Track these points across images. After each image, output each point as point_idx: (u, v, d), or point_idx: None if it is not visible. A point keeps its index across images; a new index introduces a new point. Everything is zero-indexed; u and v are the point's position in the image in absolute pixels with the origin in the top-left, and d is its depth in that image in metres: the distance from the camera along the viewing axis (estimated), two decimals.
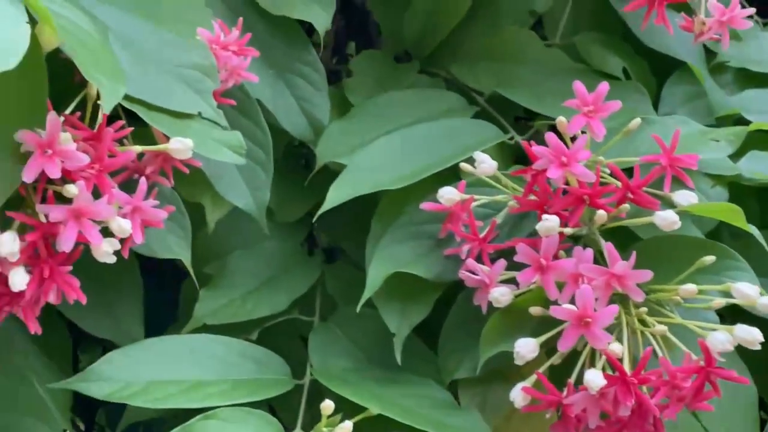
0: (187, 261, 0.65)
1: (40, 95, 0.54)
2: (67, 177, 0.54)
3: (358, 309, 0.63)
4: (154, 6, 0.64)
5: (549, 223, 0.57)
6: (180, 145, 0.58)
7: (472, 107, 0.77)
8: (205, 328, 0.70)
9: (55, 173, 0.52)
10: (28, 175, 0.52)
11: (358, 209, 0.74)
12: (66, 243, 0.53)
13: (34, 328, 0.56)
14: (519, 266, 0.61)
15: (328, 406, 0.57)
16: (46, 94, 0.54)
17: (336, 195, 0.66)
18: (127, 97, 0.57)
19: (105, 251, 0.54)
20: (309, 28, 0.75)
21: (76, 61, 0.52)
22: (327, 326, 0.72)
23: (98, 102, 0.57)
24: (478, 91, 0.80)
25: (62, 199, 0.54)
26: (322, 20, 0.73)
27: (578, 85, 0.61)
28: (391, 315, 0.65)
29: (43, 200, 0.54)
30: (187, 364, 0.64)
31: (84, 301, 0.56)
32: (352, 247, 0.80)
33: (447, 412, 0.63)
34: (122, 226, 0.54)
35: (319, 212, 0.66)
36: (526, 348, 0.58)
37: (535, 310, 0.59)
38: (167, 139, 0.60)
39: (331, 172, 0.74)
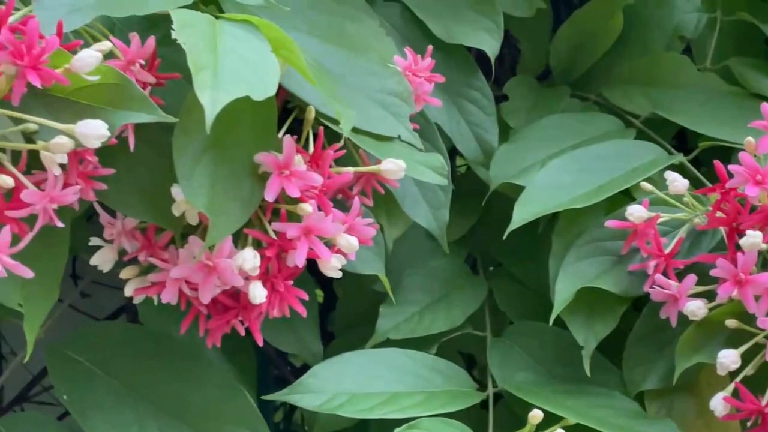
0: (383, 276, 0.68)
1: (271, 120, 0.58)
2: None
3: (550, 322, 0.66)
4: (347, 38, 0.67)
5: (754, 239, 0.59)
6: (393, 167, 0.61)
7: (630, 129, 0.80)
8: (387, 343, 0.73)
9: (294, 192, 0.55)
10: (270, 194, 0.55)
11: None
12: (300, 258, 0.56)
13: (260, 339, 0.60)
14: (705, 281, 0.63)
15: (536, 415, 0.60)
16: (275, 118, 0.58)
17: (523, 213, 0.69)
18: (335, 121, 0.61)
19: (333, 266, 0.58)
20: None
21: (318, 88, 0.55)
22: (503, 341, 0.74)
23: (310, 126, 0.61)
24: (632, 114, 0.82)
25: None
26: (492, 47, 0.76)
27: (766, 107, 0.64)
28: (578, 328, 0.67)
29: (271, 220, 0.58)
30: (383, 377, 0.67)
31: (305, 314, 0.60)
32: (510, 264, 0.83)
33: (640, 421, 0.66)
34: (350, 242, 0.57)
35: (508, 230, 0.69)
36: (729, 358, 0.60)
37: (731, 323, 0.62)
38: (370, 161, 0.64)
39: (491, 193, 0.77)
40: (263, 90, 0.50)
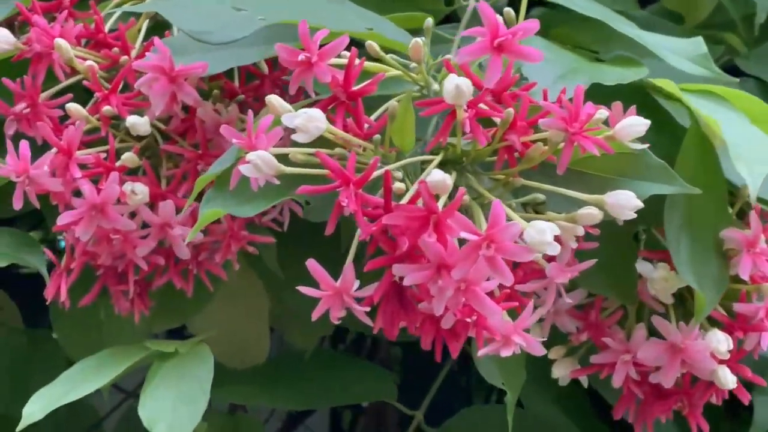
0: None
1: (723, 192, 0.55)
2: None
3: None
4: None
5: None
6: None
7: None
8: None
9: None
10: (745, 272, 0.52)
11: None
12: (765, 341, 0.53)
13: (705, 425, 0.57)
14: None
15: None
16: (726, 194, 0.55)
17: None
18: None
19: None
20: None
21: None
22: None
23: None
24: None
25: None
26: None
27: None
28: None
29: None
30: None
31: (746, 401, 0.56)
32: None
33: None
34: None
35: None
36: None
37: None
38: None
39: None
40: None
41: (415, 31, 0.57)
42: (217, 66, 0.54)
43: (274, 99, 0.44)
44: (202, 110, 0.56)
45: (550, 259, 0.47)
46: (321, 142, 0.45)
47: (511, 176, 0.46)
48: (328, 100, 0.46)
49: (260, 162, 0.42)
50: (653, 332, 0.54)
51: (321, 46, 0.46)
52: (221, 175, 0.47)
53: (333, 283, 0.44)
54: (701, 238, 0.52)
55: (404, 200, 0.43)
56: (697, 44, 0.57)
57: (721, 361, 0.53)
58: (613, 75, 0.52)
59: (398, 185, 0.43)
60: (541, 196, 0.47)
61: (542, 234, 0.41)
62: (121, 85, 0.56)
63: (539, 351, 0.46)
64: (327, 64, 0.46)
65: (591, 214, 0.45)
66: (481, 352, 0.45)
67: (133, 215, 0.54)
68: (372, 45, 0.47)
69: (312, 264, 0.44)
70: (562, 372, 0.57)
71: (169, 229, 0.54)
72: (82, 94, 0.59)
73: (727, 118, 0.51)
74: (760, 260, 0.52)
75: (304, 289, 0.43)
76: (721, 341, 0.52)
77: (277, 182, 0.43)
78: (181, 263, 0.58)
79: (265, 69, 0.61)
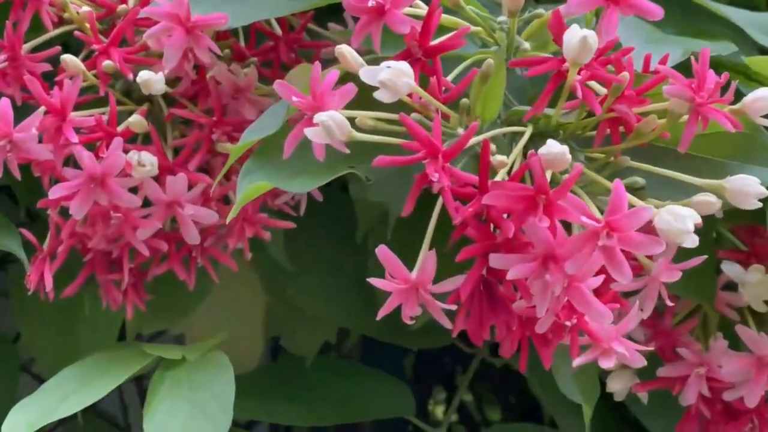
0: None
1: None
2: None
3: None
4: None
5: None
6: None
7: None
8: None
9: None
10: None
11: None
12: None
13: None
14: None
15: None
16: None
17: None
18: None
19: None
20: None
21: None
22: None
23: None
24: None
25: None
26: None
27: None
28: None
29: None
30: None
31: None
32: None
33: None
34: None
35: None
36: None
37: None
38: None
39: None
40: None
41: None
42: (238, 19, 0.46)
43: (346, 50, 0.36)
44: (218, 70, 0.48)
45: None
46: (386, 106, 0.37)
47: (614, 155, 0.39)
48: (400, 55, 0.38)
49: (333, 124, 0.34)
50: None
51: None
52: (264, 142, 0.39)
53: (408, 275, 0.36)
54: None
55: (498, 177, 0.36)
56: None
57: None
58: (707, 47, 0.45)
59: (499, 158, 0.35)
60: (640, 180, 0.40)
61: (682, 221, 0.34)
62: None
63: (641, 362, 0.39)
64: (401, 12, 0.38)
65: (708, 201, 0.38)
66: (576, 362, 0.38)
67: (133, 191, 0.46)
68: None
69: (383, 251, 0.36)
70: (619, 386, 0.49)
71: (178, 208, 0.46)
72: (63, 50, 0.50)
73: None
74: None
75: (375, 281, 0.36)
76: None
77: (347, 150, 0.35)
78: (183, 249, 0.50)
79: (279, 30, 0.53)
